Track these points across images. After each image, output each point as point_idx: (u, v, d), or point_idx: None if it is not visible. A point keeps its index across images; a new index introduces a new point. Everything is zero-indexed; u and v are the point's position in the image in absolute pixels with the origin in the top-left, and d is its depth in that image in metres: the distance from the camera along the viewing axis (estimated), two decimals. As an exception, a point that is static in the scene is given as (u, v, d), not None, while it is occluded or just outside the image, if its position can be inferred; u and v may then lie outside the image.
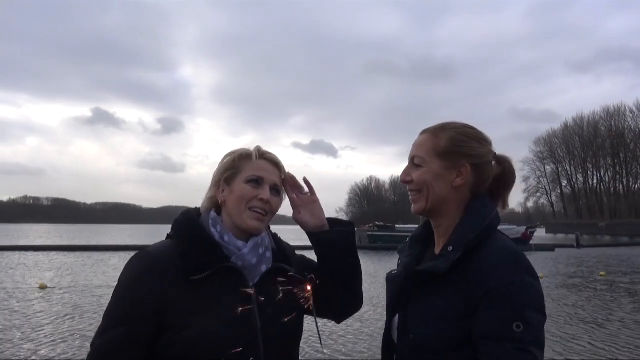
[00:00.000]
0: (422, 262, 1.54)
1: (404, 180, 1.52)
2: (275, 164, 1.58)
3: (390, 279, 1.58)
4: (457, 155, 1.46)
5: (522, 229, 41.70)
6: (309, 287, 1.50)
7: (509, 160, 1.52)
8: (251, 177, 1.51)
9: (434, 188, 1.45)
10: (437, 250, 1.51)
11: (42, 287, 13.84)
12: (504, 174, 1.50)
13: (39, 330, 8.60)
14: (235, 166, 1.53)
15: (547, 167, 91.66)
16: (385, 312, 1.59)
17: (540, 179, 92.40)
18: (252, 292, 1.43)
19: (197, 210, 1.58)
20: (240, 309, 1.38)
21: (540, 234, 47.24)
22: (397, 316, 1.49)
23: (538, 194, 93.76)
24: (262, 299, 1.44)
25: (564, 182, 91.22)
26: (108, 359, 1.33)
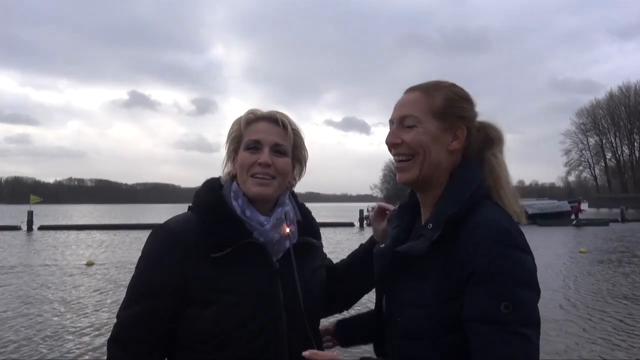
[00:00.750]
0: (411, 233, 1.39)
1: (393, 142, 1.30)
2: (274, 121, 1.46)
3: (377, 254, 1.41)
4: (453, 116, 1.31)
5: (564, 203, 40.45)
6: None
7: (492, 126, 1.38)
8: (248, 142, 1.44)
9: (431, 152, 1.28)
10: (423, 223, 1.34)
11: (89, 264, 14.51)
12: (486, 140, 1.36)
13: (89, 303, 9.07)
14: (238, 134, 1.47)
15: (590, 140, 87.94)
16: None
17: (583, 151, 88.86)
18: (276, 267, 1.40)
19: (219, 180, 1.51)
20: (263, 285, 1.35)
21: (583, 208, 45.67)
22: (384, 297, 1.38)
23: (580, 168, 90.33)
24: (286, 274, 1.40)
25: (608, 155, 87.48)
26: (132, 331, 1.33)
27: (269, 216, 1.44)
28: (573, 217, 35.74)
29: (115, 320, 1.38)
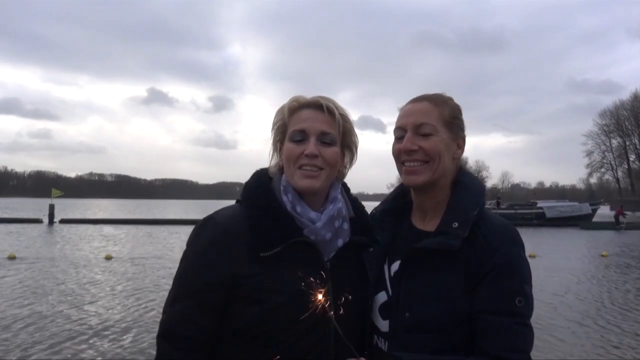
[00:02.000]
0: (397, 237, 1.49)
1: (410, 149, 1.39)
2: (319, 107, 1.37)
3: (369, 257, 1.49)
4: (457, 127, 1.45)
5: (585, 205, 39.69)
6: (319, 297, 1.28)
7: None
8: (293, 133, 1.36)
9: (443, 159, 1.40)
10: (420, 225, 1.46)
11: (108, 258, 14.72)
12: None
13: (108, 295, 9.21)
14: (283, 123, 1.40)
15: (613, 141, 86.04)
16: None
17: (605, 153, 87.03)
18: (327, 267, 1.34)
19: (268, 172, 1.45)
20: (314, 286, 1.28)
21: (604, 211, 44.79)
22: (377, 296, 1.44)
23: (602, 170, 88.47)
24: (338, 275, 1.35)
25: (632, 157, 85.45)
26: (179, 328, 1.30)
27: (320, 211, 1.37)
28: (622, 219, 33.75)
29: (160, 316, 1.37)
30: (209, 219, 1.36)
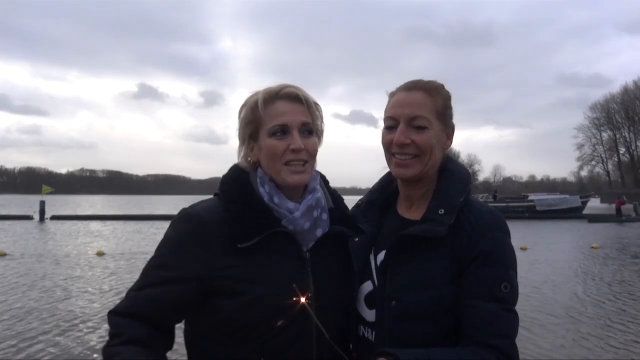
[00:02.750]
0: (383, 227, 1.49)
1: (403, 142, 1.37)
2: (296, 98, 1.34)
3: (357, 247, 1.47)
4: (448, 117, 1.43)
5: (575, 198, 40.04)
6: (302, 300, 1.26)
7: None
8: (273, 128, 1.32)
9: (435, 152, 1.39)
10: (406, 214, 1.46)
11: (100, 254, 14.65)
12: None
13: (101, 292, 9.16)
14: (255, 118, 1.35)
15: (604, 134, 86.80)
16: None
17: (596, 146, 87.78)
18: (306, 257, 1.33)
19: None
20: (292, 276, 1.28)
21: (595, 204, 45.24)
22: (362, 286, 1.43)
23: (593, 162, 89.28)
24: (317, 265, 1.34)
25: (622, 150, 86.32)
26: (141, 309, 1.24)
27: (299, 202, 1.36)
28: (624, 211, 33.76)
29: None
30: (186, 211, 1.35)
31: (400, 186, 1.51)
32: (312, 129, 1.36)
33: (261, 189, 1.35)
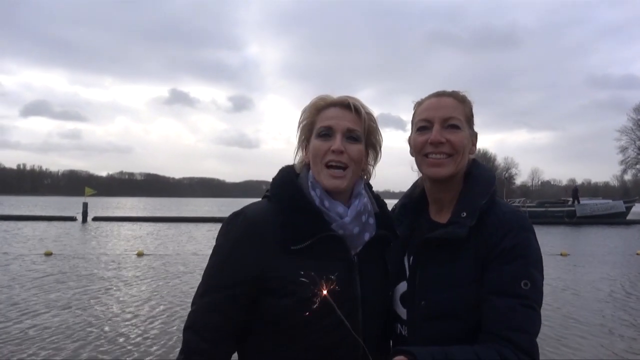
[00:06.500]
0: (416, 230, 1.54)
1: (439, 141, 1.43)
2: (346, 106, 1.40)
3: (390, 250, 1.53)
4: (473, 124, 1.48)
5: (619, 203, 38.32)
6: (324, 292, 1.28)
7: None
8: (320, 130, 1.39)
9: (465, 153, 1.44)
10: (437, 217, 1.51)
11: (140, 254, 15.10)
12: None
13: (142, 292, 9.44)
14: (310, 122, 1.43)
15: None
16: None
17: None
18: (355, 261, 1.37)
19: (294, 168, 1.48)
20: (341, 278, 1.31)
21: (639, 209, 43.28)
22: (398, 286, 1.49)
23: (638, 166, 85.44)
24: (364, 268, 1.38)
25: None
26: (207, 319, 1.33)
27: (347, 206, 1.40)
28: None
29: (189, 309, 1.40)
30: (239, 213, 1.39)
31: (429, 190, 1.56)
32: (358, 137, 1.40)
33: (312, 192, 1.39)
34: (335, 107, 1.41)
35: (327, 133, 1.38)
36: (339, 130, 1.38)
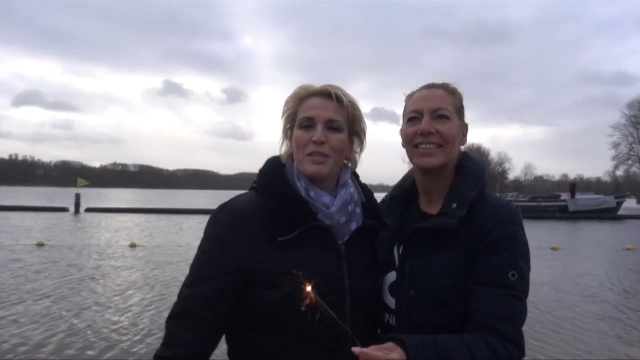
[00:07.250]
0: (407, 221, 1.56)
1: (429, 131, 1.44)
2: (327, 95, 1.39)
3: (380, 240, 1.54)
4: (463, 115, 1.50)
5: (610, 198, 38.63)
6: (308, 288, 1.24)
7: None
8: (301, 120, 1.39)
9: (455, 144, 1.46)
10: (427, 208, 1.53)
11: (133, 245, 15.08)
12: None
13: (134, 282, 9.42)
14: (293, 112, 1.43)
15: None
16: None
17: (633, 145, 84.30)
18: (342, 250, 1.37)
19: (280, 159, 1.47)
20: (328, 268, 1.32)
21: (630, 204, 43.66)
22: (387, 276, 1.52)
23: (629, 162, 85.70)
24: (352, 257, 1.39)
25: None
26: (193, 310, 1.33)
27: (332, 196, 1.40)
28: None
29: (175, 299, 1.40)
30: (225, 205, 1.40)
31: (419, 181, 1.57)
32: (339, 126, 1.39)
33: (298, 183, 1.39)
34: (316, 97, 1.40)
35: (308, 124, 1.38)
36: (320, 121, 1.37)
